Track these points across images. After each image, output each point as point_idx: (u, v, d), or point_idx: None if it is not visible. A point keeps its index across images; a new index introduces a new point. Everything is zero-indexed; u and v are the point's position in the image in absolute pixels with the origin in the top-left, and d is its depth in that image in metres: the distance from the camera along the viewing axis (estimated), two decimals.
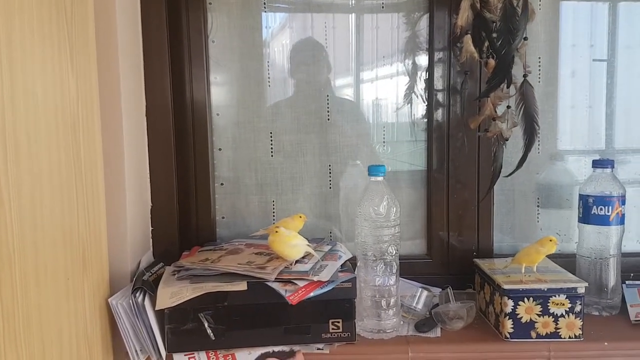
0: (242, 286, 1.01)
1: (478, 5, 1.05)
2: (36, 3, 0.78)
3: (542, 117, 1.35)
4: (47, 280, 0.81)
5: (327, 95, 1.37)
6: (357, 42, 1.39)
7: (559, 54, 1.36)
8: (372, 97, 1.41)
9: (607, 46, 1.38)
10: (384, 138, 1.40)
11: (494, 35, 1.06)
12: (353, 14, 1.38)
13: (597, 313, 1.20)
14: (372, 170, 1.11)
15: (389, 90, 1.40)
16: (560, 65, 1.37)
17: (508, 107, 1.18)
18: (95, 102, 0.99)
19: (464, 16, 1.06)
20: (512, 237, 1.40)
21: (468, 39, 1.08)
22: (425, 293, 1.21)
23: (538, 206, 1.40)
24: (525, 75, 1.13)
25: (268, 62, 1.36)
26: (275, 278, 1.03)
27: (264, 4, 1.34)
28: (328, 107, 1.37)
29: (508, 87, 1.11)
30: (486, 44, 1.08)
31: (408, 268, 1.32)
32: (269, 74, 1.36)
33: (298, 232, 1.19)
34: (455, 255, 1.36)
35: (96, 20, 1.01)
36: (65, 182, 0.87)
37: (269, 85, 1.37)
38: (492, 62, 1.08)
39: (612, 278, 1.21)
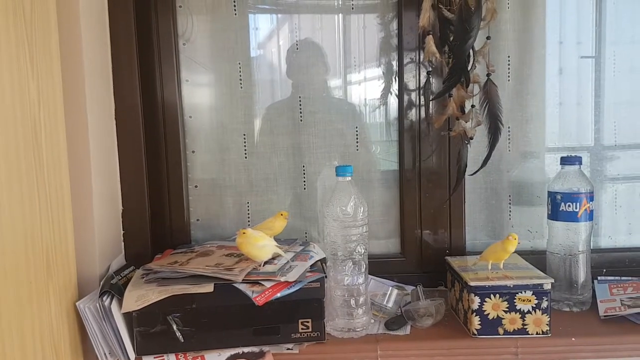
0: (208, 288, 1.02)
1: (438, 5, 1.06)
2: None
3: (512, 115, 1.37)
4: (7, 285, 0.81)
5: (300, 97, 1.38)
6: (332, 44, 1.39)
7: (543, 51, 1.37)
8: (347, 98, 1.42)
9: (593, 43, 1.40)
10: (357, 139, 1.40)
11: (452, 35, 1.06)
12: (328, 16, 1.39)
13: (567, 309, 1.21)
14: (340, 170, 1.11)
15: (364, 91, 1.40)
16: (539, 63, 1.38)
17: (472, 106, 1.19)
18: (58, 105, 0.99)
19: (426, 16, 1.07)
20: (485, 234, 1.41)
21: (430, 40, 1.08)
22: (395, 291, 1.22)
23: (510, 204, 1.41)
24: (488, 74, 1.14)
25: (240, 64, 1.37)
26: (243, 279, 1.04)
27: (234, 7, 1.34)
28: (300, 108, 1.38)
29: (467, 86, 1.12)
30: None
31: (382, 267, 1.33)
32: (241, 76, 1.37)
33: (282, 230, 1.20)
34: (428, 254, 1.37)
35: (59, 21, 1.00)
36: (26, 187, 0.87)
37: (241, 87, 1.37)
38: (452, 61, 1.09)
39: (581, 274, 1.22)
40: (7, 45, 0.83)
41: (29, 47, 0.89)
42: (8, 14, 0.83)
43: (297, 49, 1.37)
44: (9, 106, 0.83)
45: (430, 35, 1.09)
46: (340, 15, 1.39)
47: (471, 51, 1.11)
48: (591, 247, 1.24)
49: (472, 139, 1.18)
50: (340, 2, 1.38)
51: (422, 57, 1.30)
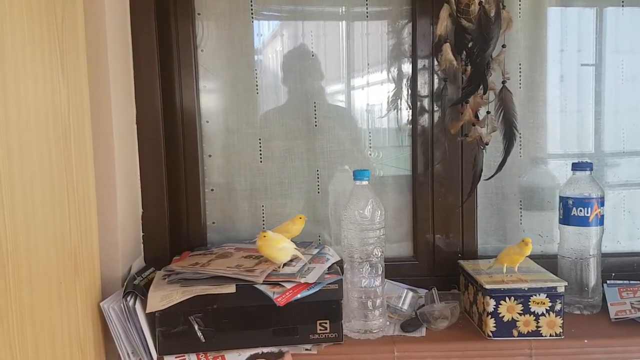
0: (230, 289, 1.04)
1: (456, 14, 1.09)
2: (26, 12, 0.81)
3: (523, 122, 1.39)
4: (40, 285, 0.83)
5: (315, 102, 1.40)
6: (345, 50, 1.42)
7: (546, 59, 1.40)
8: (359, 103, 1.44)
9: (594, 51, 1.42)
10: (370, 144, 1.43)
11: (470, 43, 1.09)
12: (342, 22, 1.41)
13: (578, 312, 1.24)
14: (357, 174, 1.14)
15: (376, 96, 1.43)
16: (548, 71, 1.40)
17: (488, 112, 1.22)
18: (86, 109, 1.02)
19: (443, 25, 1.10)
20: (496, 238, 1.43)
21: (447, 47, 1.11)
22: (410, 294, 1.24)
23: (521, 208, 1.44)
24: (503, 82, 1.17)
25: (256, 70, 1.39)
26: (264, 280, 1.06)
27: (252, 13, 1.37)
28: (315, 114, 1.40)
29: (485, 93, 1.14)
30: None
31: (395, 270, 1.35)
32: (257, 81, 1.39)
33: (299, 233, 1.22)
34: (440, 257, 1.39)
35: (86, 29, 1.03)
36: (57, 189, 0.89)
37: (257, 93, 1.40)
38: (470, 69, 1.11)
39: (592, 277, 1.24)
40: (42, 50, 0.85)
41: (60, 53, 0.91)
42: (42, 20, 0.86)
43: (313, 55, 1.40)
44: (43, 111, 0.85)
45: (448, 43, 1.12)
46: (354, 22, 1.41)
47: None
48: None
49: (487, 144, 1.20)
50: (354, 10, 1.40)
51: (435, 64, 1.32)
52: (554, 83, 1.42)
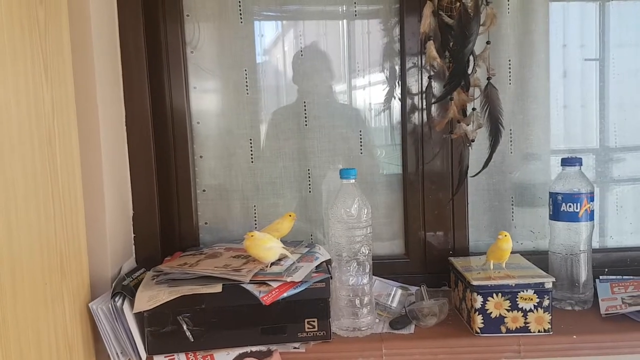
0: (217, 288, 1.05)
1: (438, 11, 1.09)
2: (6, 18, 0.81)
3: (513, 118, 1.39)
4: (24, 286, 0.84)
5: (304, 102, 1.41)
6: (336, 49, 1.42)
7: (544, 54, 1.39)
8: (351, 102, 1.44)
9: (597, 46, 1.42)
10: (361, 143, 1.43)
11: (452, 40, 1.09)
12: (332, 22, 1.42)
13: (569, 308, 1.23)
14: (344, 173, 1.14)
15: (368, 95, 1.43)
16: (539, 66, 1.40)
17: (473, 109, 1.22)
18: (71, 113, 1.03)
19: (427, 22, 1.10)
20: (488, 235, 1.43)
21: (431, 45, 1.11)
22: (399, 291, 1.24)
23: (512, 205, 1.44)
24: (489, 78, 1.17)
25: (246, 70, 1.40)
26: (251, 280, 1.06)
27: (240, 14, 1.38)
28: (305, 113, 1.41)
29: (467, 89, 1.14)
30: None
31: (387, 268, 1.36)
32: (247, 82, 1.40)
33: (289, 231, 1.23)
34: (432, 255, 1.39)
35: (71, 32, 1.04)
36: (42, 192, 0.90)
37: (248, 93, 1.40)
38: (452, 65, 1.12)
39: (583, 273, 1.24)
40: (23, 55, 0.86)
41: (43, 57, 0.92)
42: (23, 25, 0.87)
43: (302, 55, 1.40)
44: (25, 116, 0.86)
45: (431, 41, 1.12)
46: (344, 21, 1.41)
47: (472, 55, 1.14)
48: (594, 247, 1.26)
49: (473, 141, 1.20)
50: (343, 9, 1.40)
51: (424, 61, 1.32)
52: (546, 79, 1.41)
